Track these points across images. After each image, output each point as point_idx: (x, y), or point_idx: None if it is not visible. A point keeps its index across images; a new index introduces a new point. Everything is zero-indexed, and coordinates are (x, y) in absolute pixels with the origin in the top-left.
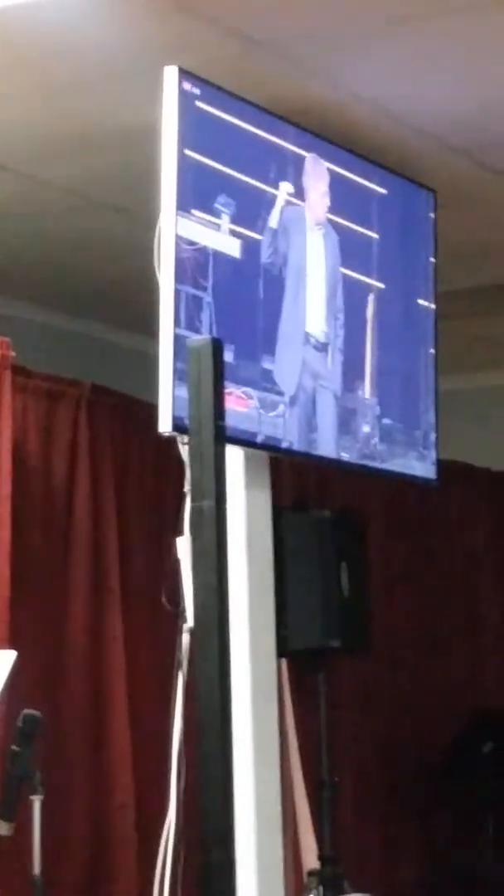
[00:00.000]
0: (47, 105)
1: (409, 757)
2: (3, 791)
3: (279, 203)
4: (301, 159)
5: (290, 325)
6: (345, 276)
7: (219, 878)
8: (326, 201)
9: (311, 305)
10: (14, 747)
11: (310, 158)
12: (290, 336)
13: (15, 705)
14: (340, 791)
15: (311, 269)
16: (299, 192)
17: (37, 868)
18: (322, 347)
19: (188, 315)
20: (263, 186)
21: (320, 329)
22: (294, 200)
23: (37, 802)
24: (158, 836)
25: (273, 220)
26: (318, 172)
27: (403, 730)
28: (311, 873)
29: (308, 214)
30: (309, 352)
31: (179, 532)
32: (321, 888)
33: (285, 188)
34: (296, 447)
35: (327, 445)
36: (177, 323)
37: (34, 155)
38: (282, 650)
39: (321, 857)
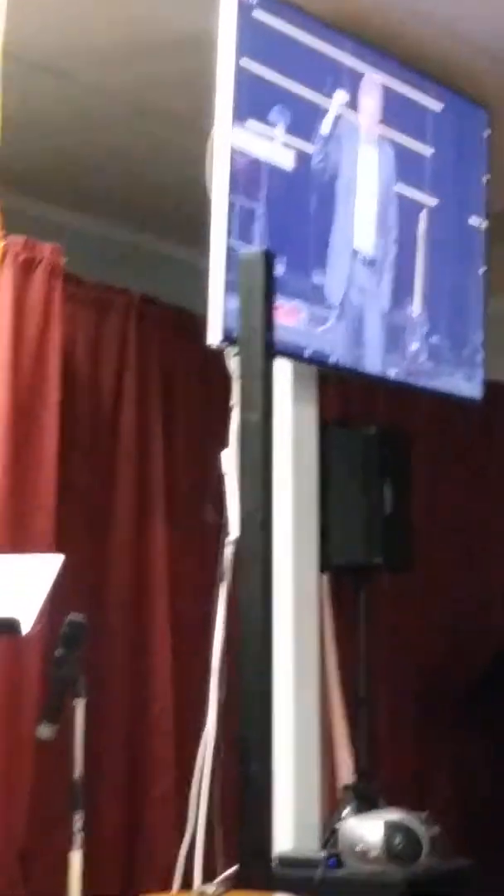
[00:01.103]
0: (105, 10)
1: (447, 675)
2: (48, 694)
3: (332, 112)
4: (357, 72)
5: (339, 239)
6: (398, 192)
7: (256, 789)
8: (381, 115)
9: (361, 220)
10: (59, 651)
11: (366, 72)
12: (340, 250)
13: (59, 610)
14: (377, 707)
15: (361, 183)
16: (354, 104)
17: (78, 772)
18: (370, 263)
19: (241, 226)
20: (319, 98)
21: (369, 244)
22: (347, 112)
23: (80, 706)
24: (196, 746)
25: (325, 128)
26: (373, 86)
27: (442, 648)
28: (346, 788)
29: (362, 127)
30: (357, 267)
31: (225, 444)
32: (356, 802)
33: (339, 97)
34: (343, 362)
35: (374, 362)
36: (229, 234)
37: (90, 61)
38: (324, 566)
39: (357, 772)
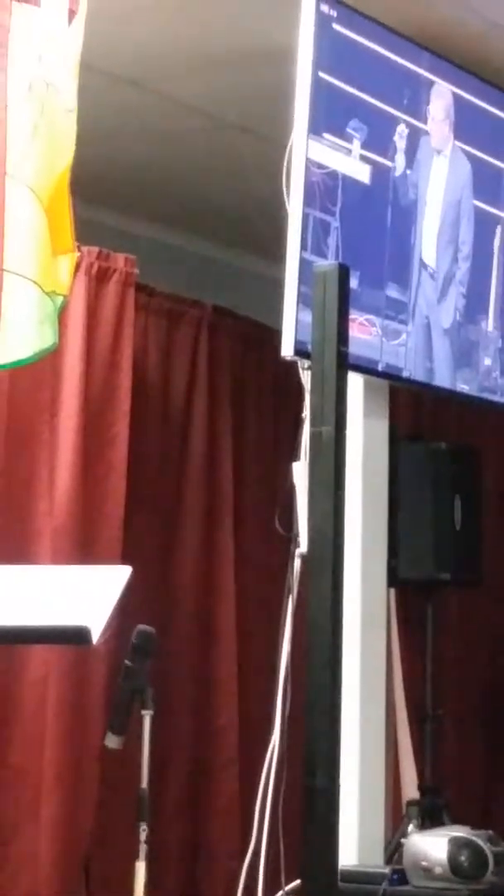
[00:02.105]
0: (183, 21)
1: None
2: (115, 705)
3: (410, 129)
4: (433, 86)
5: (411, 253)
6: (475, 207)
7: (322, 802)
8: (456, 129)
9: (427, 233)
10: (127, 662)
11: (442, 85)
12: (412, 263)
13: (127, 621)
14: (443, 723)
15: (430, 198)
16: (430, 119)
17: (144, 782)
18: (434, 277)
19: (315, 239)
20: (396, 112)
21: (432, 258)
22: (424, 127)
23: (147, 718)
24: (261, 759)
25: (401, 141)
26: (449, 100)
27: None
28: (410, 803)
29: (435, 141)
30: (425, 279)
31: (296, 457)
32: (420, 818)
33: (416, 114)
34: (415, 377)
35: (444, 376)
36: (303, 247)
37: (166, 72)
38: (392, 580)
39: (421, 788)
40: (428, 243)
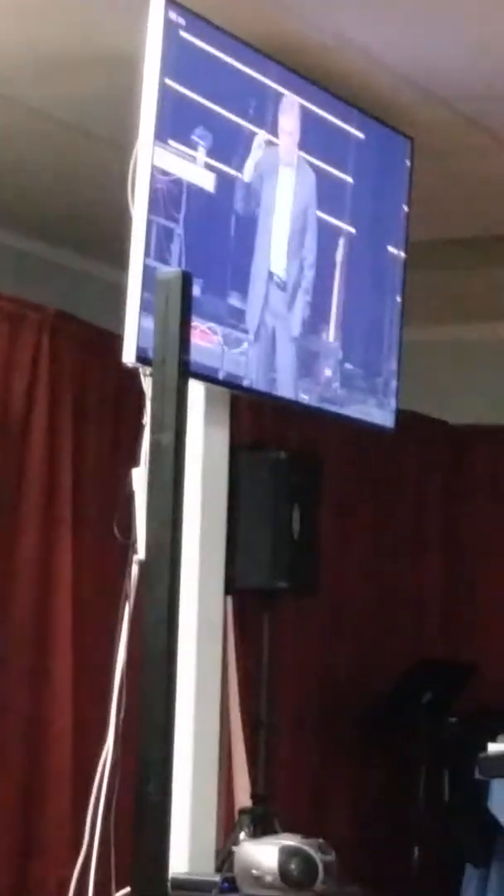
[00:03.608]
0: (29, 24)
1: (348, 702)
2: None
3: (256, 141)
4: (281, 97)
5: (257, 262)
6: (318, 218)
7: (153, 810)
8: (302, 141)
9: (276, 244)
10: None
11: (289, 97)
12: (257, 273)
13: None
14: (277, 731)
15: (278, 208)
16: (276, 131)
17: None
18: (283, 287)
19: (158, 246)
20: (242, 122)
21: (282, 267)
22: (271, 139)
23: None
24: (94, 767)
25: (249, 159)
26: (296, 112)
27: (345, 674)
28: (242, 811)
29: (282, 152)
30: (272, 290)
31: (135, 464)
32: (252, 826)
33: (263, 126)
34: (256, 386)
35: (286, 386)
36: (147, 253)
37: (11, 76)
38: (229, 588)
39: (254, 796)
40: (277, 253)
